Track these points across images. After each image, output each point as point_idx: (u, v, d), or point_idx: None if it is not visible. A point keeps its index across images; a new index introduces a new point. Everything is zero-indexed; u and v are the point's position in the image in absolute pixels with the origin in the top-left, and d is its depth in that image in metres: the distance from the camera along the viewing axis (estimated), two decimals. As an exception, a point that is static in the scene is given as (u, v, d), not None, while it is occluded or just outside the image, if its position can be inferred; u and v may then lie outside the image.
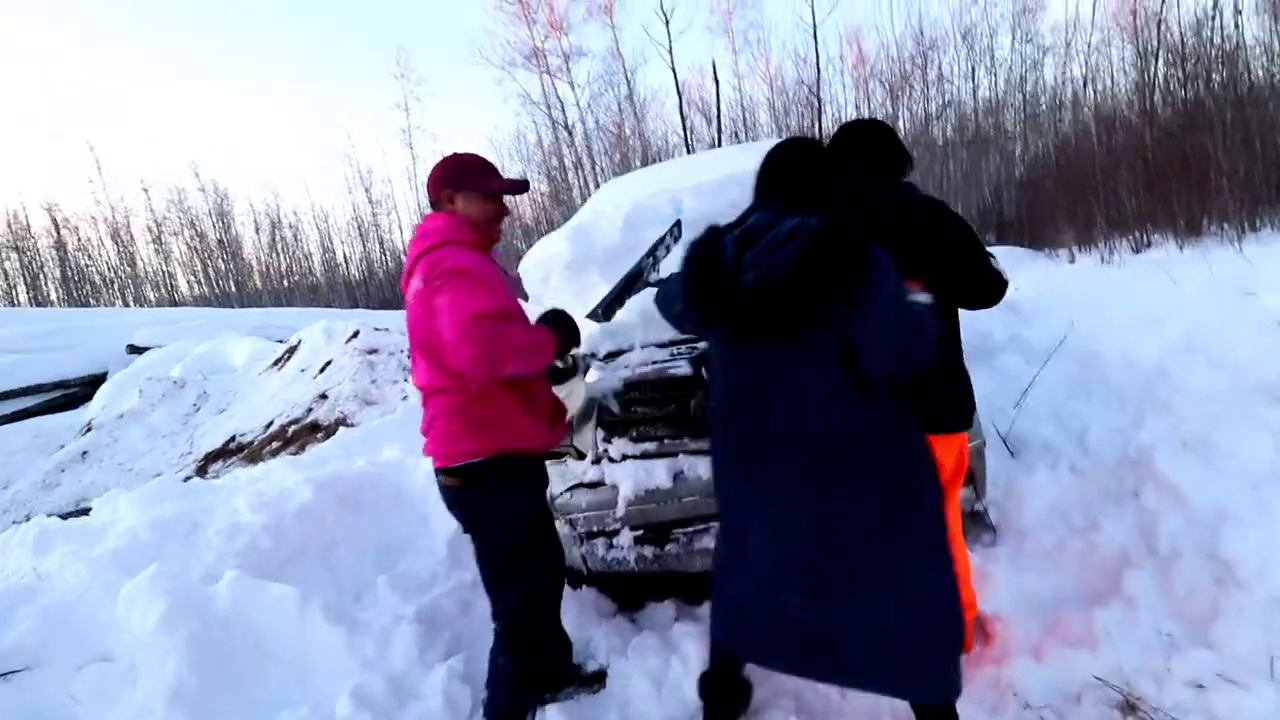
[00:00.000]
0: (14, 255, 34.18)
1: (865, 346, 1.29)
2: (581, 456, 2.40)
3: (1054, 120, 22.46)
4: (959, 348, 1.78)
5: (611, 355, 2.39)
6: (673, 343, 2.35)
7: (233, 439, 7.48)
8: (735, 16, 24.95)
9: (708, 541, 2.19)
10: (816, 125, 23.87)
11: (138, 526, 2.09)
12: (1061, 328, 3.26)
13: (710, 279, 1.34)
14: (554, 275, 2.99)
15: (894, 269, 1.28)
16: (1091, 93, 21.90)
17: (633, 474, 2.22)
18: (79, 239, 34.42)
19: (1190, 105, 14.16)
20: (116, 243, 34.31)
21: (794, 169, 1.45)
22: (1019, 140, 23.24)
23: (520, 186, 1.73)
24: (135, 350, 12.49)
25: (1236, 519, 1.75)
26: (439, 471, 1.64)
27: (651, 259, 2.57)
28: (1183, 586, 1.77)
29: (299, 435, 7.08)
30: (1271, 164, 11.11)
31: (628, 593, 2.45)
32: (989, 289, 1.69)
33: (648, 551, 2.24)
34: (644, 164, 22.98)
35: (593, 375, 2.36)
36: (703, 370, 2.14)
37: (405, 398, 7.11)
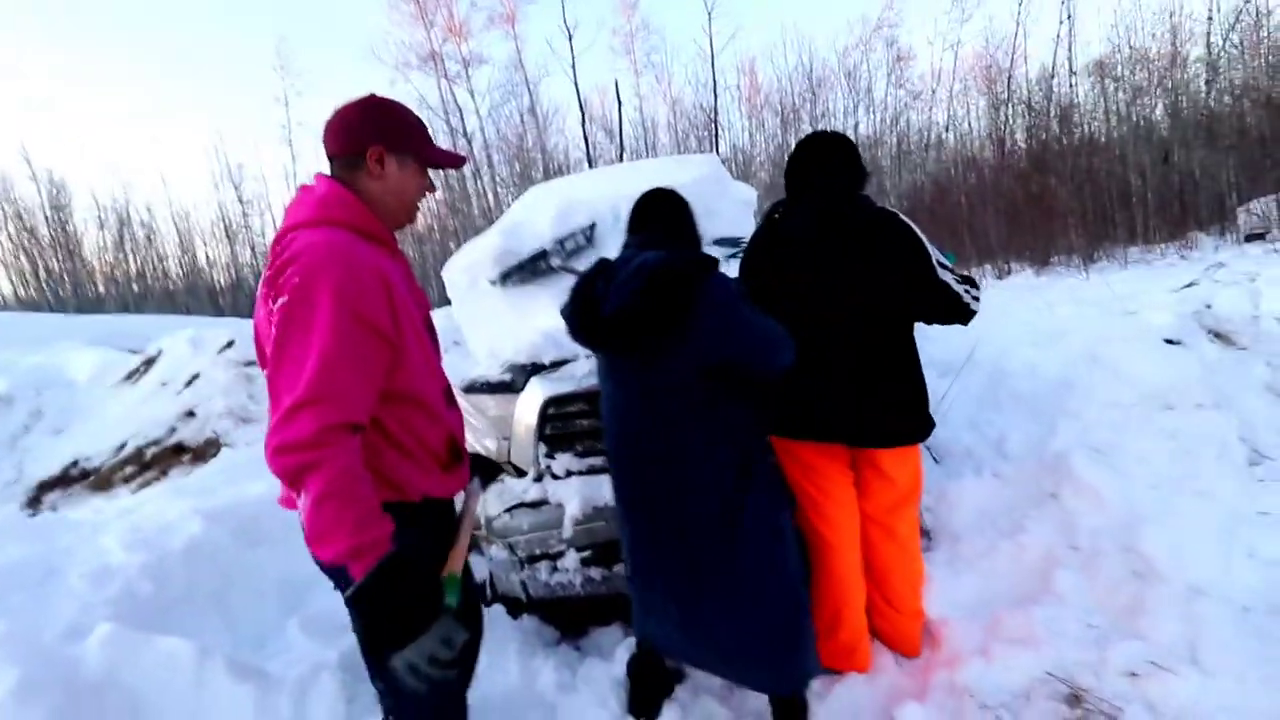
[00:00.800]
0: None
1: (727, 360, 1.49)
2: (521, 474, 2.23)
3: (924, 159, 24.79)
4: (917, 360, 1.82)
5: (555, 364, 2.25)
6: (619, 352, 2.25)
7: (74, 464, 6.46)
8: (637, 40, 25.53)
9: (660, 560, 2.09)
10: (714, 147, 24.81)
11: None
12: (965, 344, 3.49)
13: (583, 308, 1.59)
14: (482, 279, 2.81)
15: (729, 293, 1.50)
16: (953, 137, 24.49)
17: (579, 491, 2.09)
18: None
19: (1036, 151, 16.13)
20: (-80, 235, 29.22)
21: (653, 212, 1.75)
22: (895, 175, 25.37)
23: (461, 160, 1.34)
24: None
25: (1149, 517, 1.90)
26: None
27: (560, 245, 2.60)
28: (1107, 581, 1.90)
29: (160, 458, 6.24)
30: (1105, 204, 12.88)
31: (571, 619, 2.29)
32: (946, 302, 1.75)
33: (595, 574, 2.11)
34: (546, 176, 22.81)
35: (534, 386, 2.21)
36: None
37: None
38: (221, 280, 31.68)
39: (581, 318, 1.58)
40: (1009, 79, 20.65)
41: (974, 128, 23.86)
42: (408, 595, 0.99)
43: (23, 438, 7.08)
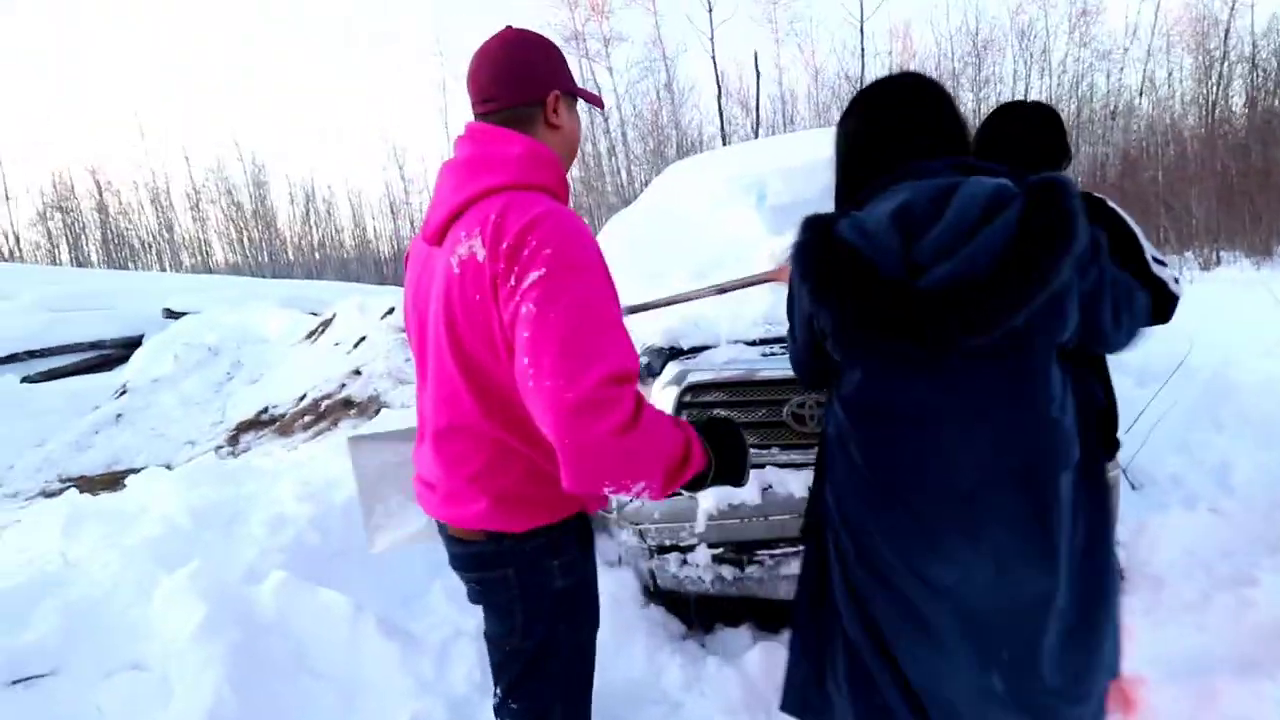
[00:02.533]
0: (58, 216, 35.09)
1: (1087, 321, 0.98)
2: (654, 461, 2.18)
3: (1108, 129, 21.63)
4: (1105, 364, 1.53)
5: (694, 350, 2.15)
6: (763, 340, 2.11)
7: (265, 410, 7.41)
8: (780, 7, 24.38)
9: (796, 567, 1.95)
10: (859, 121, 23.20)
11: (175, 513, 1.92)
12: (1176, 346, 2.94)
13: (871, 285, 0.95)
14: (623, 258, 2.76)
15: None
16: (1147, 102, 21.12)
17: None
18: (120, 202, 35.20)
19: (1260, 119, 13.48)
20: (156, 208, 35.03)
21: (919, 117, 1.07)
22: (1072, 147, 22.42)
23: (600, 100, 1.20)
24: (171, 315, 12.56)
25: None
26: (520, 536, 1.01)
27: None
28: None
29: (331, 410, 6.98)
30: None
31: (699, 613, 2.23)
32: (1157, 296, 1.43)
33: (726, 572, 2.01)
34: (679, 153, 22.64)
35: (672, 371, 2.13)
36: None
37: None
38: (385, 251, 35.03)
39: (874, 297, 0.95)
40: (1226, 33, 17.31)
41: (1176, 91, 20.41)
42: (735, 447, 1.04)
43: (226, 384, 8.24)
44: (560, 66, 1.04)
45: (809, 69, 25.76)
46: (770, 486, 1.96)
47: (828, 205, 2.93)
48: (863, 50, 23.16)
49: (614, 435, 0.82)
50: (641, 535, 2.10)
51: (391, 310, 7.68)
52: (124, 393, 8.38)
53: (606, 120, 23.86)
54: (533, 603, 1.03)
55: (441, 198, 0.97)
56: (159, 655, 1.43)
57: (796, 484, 1.94)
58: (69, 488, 6.60)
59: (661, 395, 2.12)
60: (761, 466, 2.00)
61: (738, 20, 35.85)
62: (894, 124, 1.08)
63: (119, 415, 7.75)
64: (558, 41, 1.07)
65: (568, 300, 0.85)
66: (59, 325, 11.58)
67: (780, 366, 2.00)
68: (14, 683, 1.34)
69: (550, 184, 0.98)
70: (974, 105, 24.06)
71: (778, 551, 1.97)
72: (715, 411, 2.06)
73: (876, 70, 25.23)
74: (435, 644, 1.63)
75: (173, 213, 35.23)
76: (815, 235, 1.03)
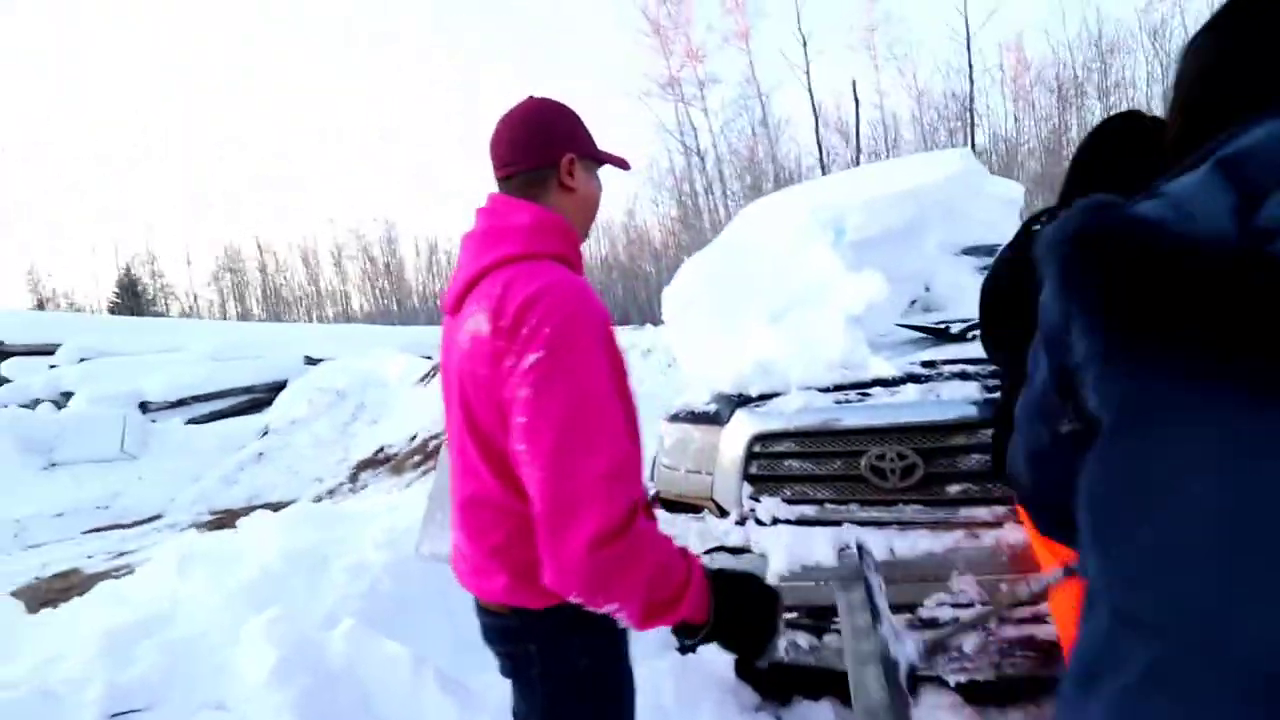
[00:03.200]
0: (227, 275, 40.68)
1: None
2: (723, 514, 2.07)
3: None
4: None
5: (764, 397, 2.05)
6: (837, 387, 1.97)
7: (381, 450, 7.97)
8: (878, 33, 23.87)
9: (880, 638, 1.76)
10: (969, 139, 22.06)
11: (271, 557, 2.07)
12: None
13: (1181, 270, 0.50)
14: (697, 299, 2.72)
15: None
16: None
17: (786, 543, 1.86)
18: (277, 261, 40.28)
19: None
20: (305, 265, 39.69)
21: None
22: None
23: (626, 162, 1.16)
24: (311, 361, 13.99)
25: None
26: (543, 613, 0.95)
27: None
28: None
29: (440, 449, 7.40)
30: None
31: (773, 683, 2.06)
32: None
33: (802, 640, 1.85)
34: (776, 187, 22.46)
35: (741, 419, 2.04)
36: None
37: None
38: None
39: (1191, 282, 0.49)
40: None
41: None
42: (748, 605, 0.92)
43: (350, 425, 8.95)
44: (577, 131, 1.04)
45: (911, 92, 24.89)
46: (848, 547, 1.79)
47: (915, 237, 2.72)
48: (970, 67, 22.06)
49: (596, 542, 0.78)
50: (711, 593, 1.99)
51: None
52: (266, 433, 9.33)
53: (704, 159, 24.20)
54: (554, 683, 0.98)
55: (460, 269, 0.98)
56: (240, 697, 1.53)
57: (876, 544, 1.76)
58: (217, 519, 7.38)
59: (728, 445, 2.03)
60: (838, 524, 1.84)
61: (833, 51, 35.46)
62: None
63: (261, 454, 8.61)
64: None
65: (565, 388, 0.81)
66: (219, 373, 13.20)
67: (857, 415, 1.86)
68: (113, 716, 1.48)
69: (560, 251, 0.96)
70: (1102, 113, 22.11)
71: (859, 619, 1.79)
72: (788, 464, 1.94)
73: (986, 86, 23.94)
74: (494, 701, 1.61)
75: (318, 269, 39.77)
76: (1090, 221, 0.57)
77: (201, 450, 9.56)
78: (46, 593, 4.87)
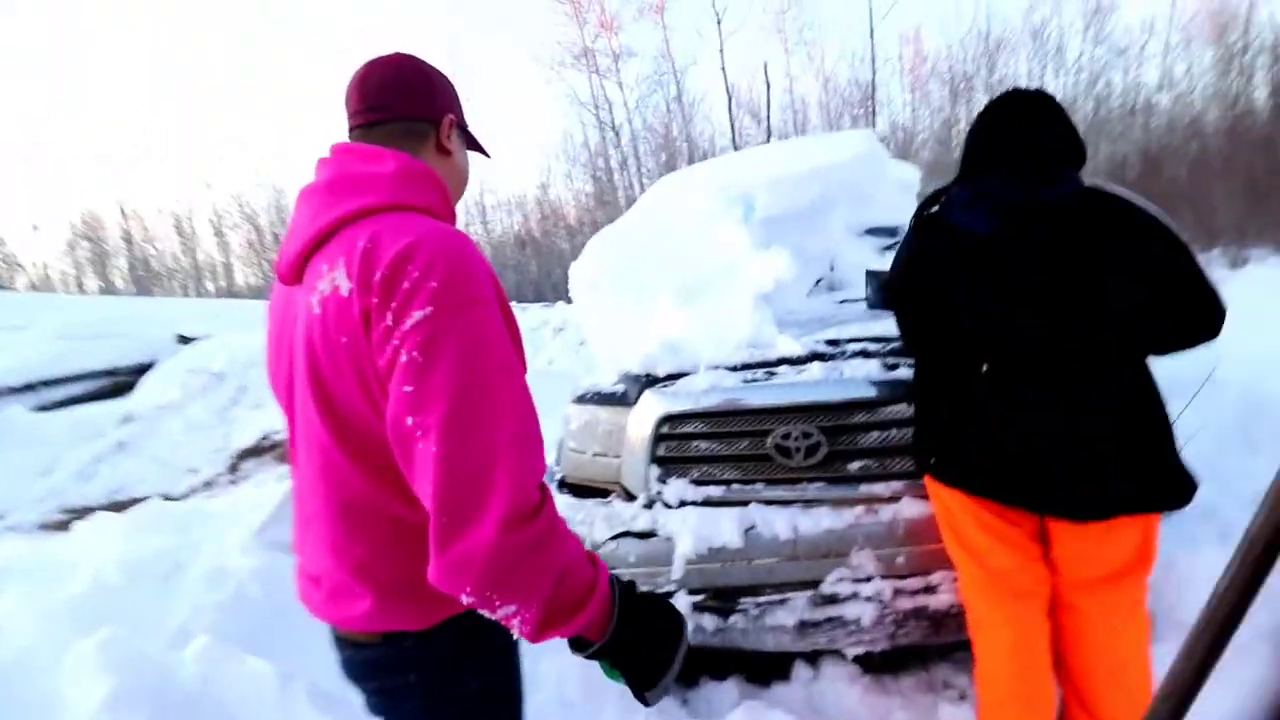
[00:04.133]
0: (85, 244, 36.15)
1: None
2: (631, 498, 2.00)
3: (1128, 125, 21.19)
4: (1157, 393, 1.33)
5: (672, 377, 1.98)
6: (745, 365, 1.94)
7: (265, 436, 7.36)
8: (789, 17, 24.33)
9: (784, 616, 1.76)
10: (871, 125, 23.08)
11: (106, 568, 1.78)
12: (1198, 357, 2.70)
13: None
14: (605, 277, 2.61)
15: None
16: (1166, 98, 20.67)
17: (693, 525, 1.81)
18: (145, 230, 36.20)
19: (1289, 109, 13.05)
20: (180, 234, 35.92)
21: None
22: (1091, 146, 21.99)
23: (485, 151, 1.02)
24: (184, 340, 12.68)
25: None
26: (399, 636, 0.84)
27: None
28: None
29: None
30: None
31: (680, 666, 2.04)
32: (1207, 313, 1.25)
33: (708, 622, 1.83)
34: (690, 165, 22.50)
35: (648, 400, 1.96)
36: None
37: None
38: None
39: None
40: (1246, 24, 16.86)
41: (1196, 86, 19.91)
42: (651, 632, 0.80)
43: (230, 409, 8.21)
44: (457, 98, 0.94)
45: (819, 77, 25.65)
46: (754, 527, 1.78)
47: (821, 216, 2.70)
48: (873, 57, 22.99)
49: (509, 520, 0.66)
50: (617, 580, 1.93)
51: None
52: (129, 420, 8.39)
53: (619, 135, 23.89)
54: (442, 711, 0.86)
55: (298, 228, 0.81)
56: (66, 733, 1.29)
57: (782, 524, 1.75)
58: (70, 520, 6.57)
59: (636, 427, 1.96)
60: (744, 504, 1.82)
61: (747, 30, 35.91)
62: None
63: (122, 443, 7.74)
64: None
65: (458, 348, 0.69)
66: (73, 354, 11.70)
67: (762, 394, 1.83)
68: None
69: (433, 205, 0.82)
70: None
71: (763, 599, 1.78)
72: (695, 445, 1.89)
73: (887, 77, 25.07)
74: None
75: (195, 240, 36.11)
76: None
77: (51, 440, 8.46)
78: None
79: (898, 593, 1.70)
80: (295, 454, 0.88)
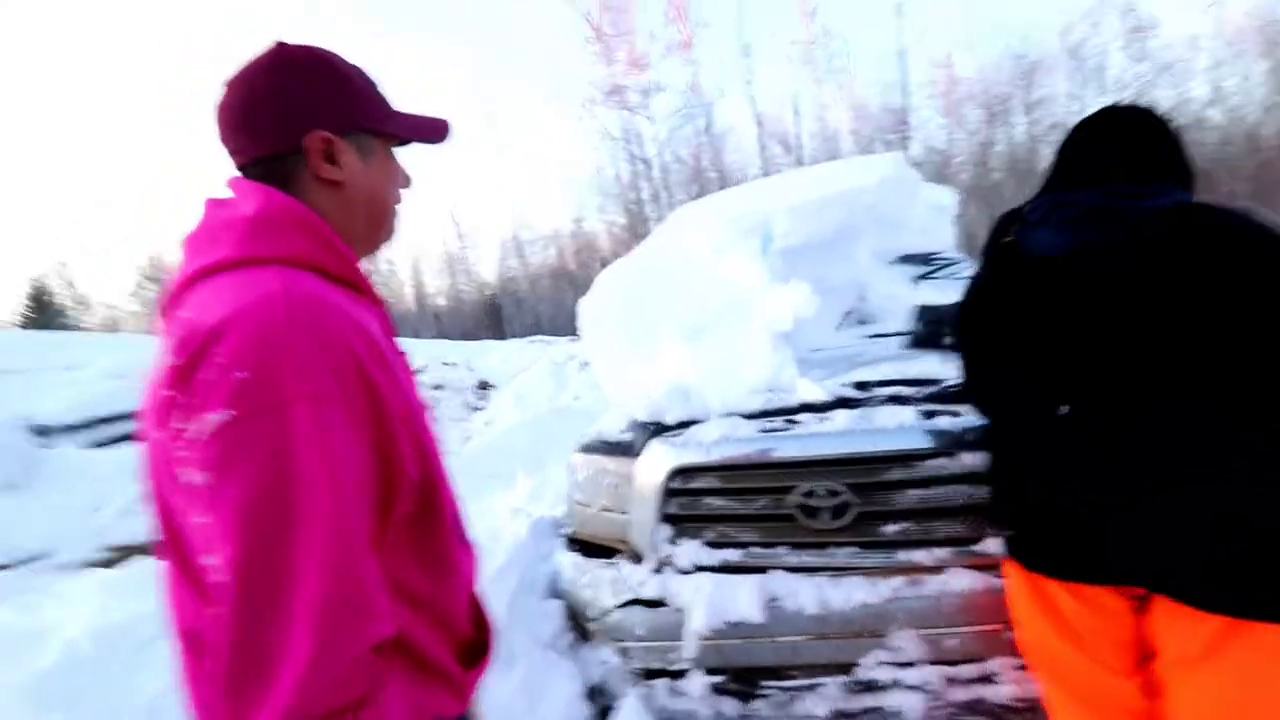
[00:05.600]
0: (151, 286, 38.47)
1: None
2: (639, 559, 1.81)
3: (1180, 141, 20.37)
4: None
5: (682, 426, 1.80)
6: (763, 413, 1.75)
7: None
8: (817, 48, 24.38)
9: (815, 704, 1.53)
10: (904, 150, 22.77)
11: (77, 638, 1.68)
12: None
13: None
14: (609, 313, 2.46)
15: None
16: (1217, 113, 19.84)
17: (708, 595, 1.61)
18: (200, 272, 38.54)
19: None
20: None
21: None
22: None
23: (441, 127, 0.82)
24: (230, 378, 13.05)
25: None
26: None
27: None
28: None
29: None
30: None
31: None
32: None
33: (728, 708, 1.61)
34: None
35: (655, 450, 1.78)
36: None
37: (469, 439, 6.78)
38: (444, 305, 36.89)
39: None
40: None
41: (1250, 100, 19.04)
42: None
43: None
44: (344, 95, 0.72)
45: (850, 104, 25.52)
46: (777, 598, 1.56)
47: (846, 244, 2.46)
48: (905, 83, 22.80)
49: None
50: (624, 654, 1.73)
51: (423, 369, 7.63)
52: (173, 458, 8.57)
53: (650, 167, 24.12)
54: None
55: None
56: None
57: (809, 596, 1.53)
58: (115, 558, 6.66)
59: (643, 480, 1.78)
60: (765, 571, 1.61)
61: (777, 61, 36.15)
62: None
63: (165, 481, 7.88)
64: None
65: (256, 469, 0.52)
66: (123, 392, 12.13)
67: (782, 446, 1.63)
68: None
69: (302, 255, 0.64)
70: (1026, 129, 23.21)
71: (790, 684, 1.56)
72: (709, 502, 1.69)
73: (919, 102, 24.79)
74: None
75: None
76: None
77: (101, 478, 8.68)
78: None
79: (948, 681, 1.45)
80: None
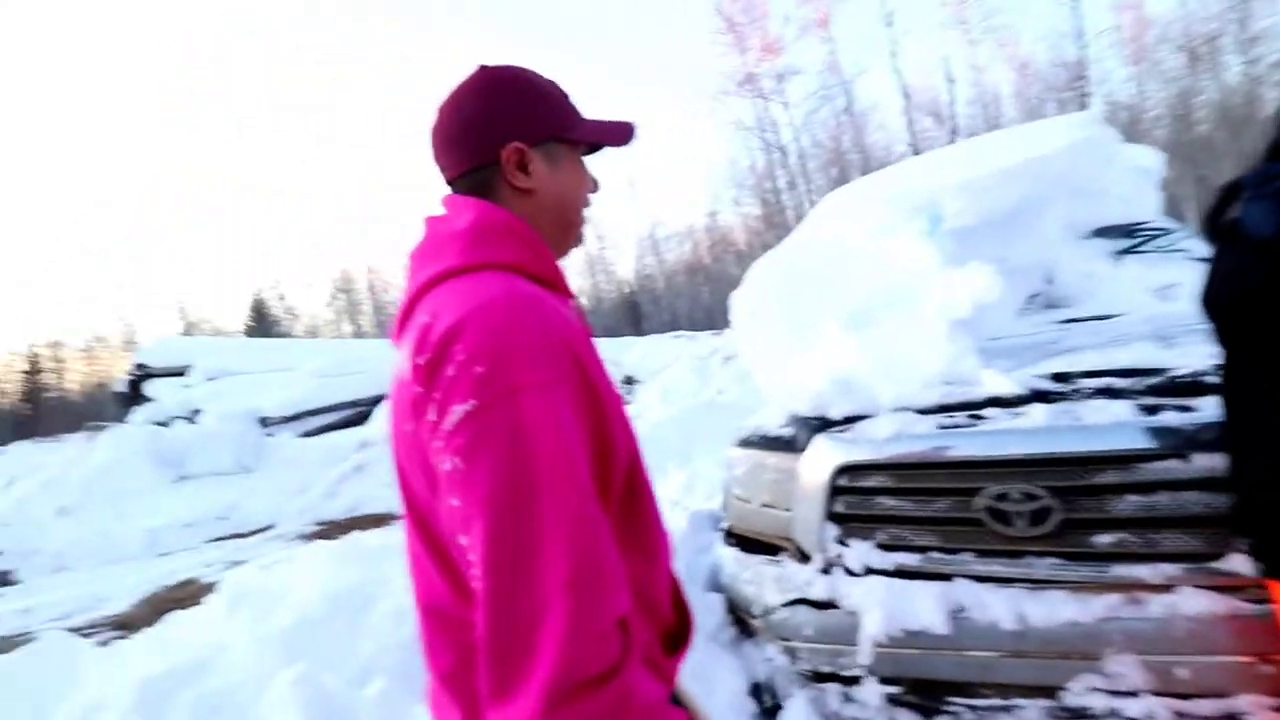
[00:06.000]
0: (342, 296, 44.26)
1: None
2: (805, 558, 1.76)
3: None
4: None
5: (848, 421, 1.72)
6: (940, 408, 1.62)
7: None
8: (970, 6, 22.17)
9: (1010, 726, 1.39)
10: (1083, 108, 19.99)
11: (311, 599, 1.98)
12: None
13: None
14: (765, 305, 2.41)
15: None
16: None
17: (883, 600, 1.52)
18: (385, 282, 43.52)
19: None
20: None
21: None
22: None
23: (627, 130, 0.85)
24: (405, 376, 14.66)
25: None
26: None
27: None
28: None
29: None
30: None
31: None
32: None
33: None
34: (864, 177, 21.26)
35: (820, 446, 1.72)
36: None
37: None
38: (586, 305, 38.51)
39: None
40: None
41: None
42: None
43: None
44: (529, 110, 0.77)
45: (1013, 64, 22.96)
46: (964, 609, 1.44)
47: (1030, 220, 2.24)
48: (1081, 30, 20.02)
49: (555, 693, 0.53)
50: (790, 654, 1.69)
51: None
52: (365, 446, 9.75)
53: (785, 155, 23.41)
54: None
55: (404, 293, 0.75)
56: (263, 764, 1.40)
57: (1004, 609, 1.40)
58: (321, 530, 7.74)
59: (808, 477, 1.72)
60: (947, 578, 1.49)
61: (921, 30, 33.48)
62: None
63: (359, 466, 8.99)
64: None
65: (497, 454, 0.56)
66: (327, 388, 14.06)
67: (969, 444, 1.50)
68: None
69: (514, 260, 0.70)
70: (1242, 70, 19.51)
71: (980, 703, 1.43)
72: (881, 502, 1.60)
73: (1100, 52, 21.71)
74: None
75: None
76: None
77: (309, 463, 10.13)
78: (165, 602, 5.21)
79: (1180, 717, 1.25)
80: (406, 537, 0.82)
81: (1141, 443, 1.32)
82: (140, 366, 15.53)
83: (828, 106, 23.37)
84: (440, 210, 0.78)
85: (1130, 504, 1.33)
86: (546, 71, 0.82)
